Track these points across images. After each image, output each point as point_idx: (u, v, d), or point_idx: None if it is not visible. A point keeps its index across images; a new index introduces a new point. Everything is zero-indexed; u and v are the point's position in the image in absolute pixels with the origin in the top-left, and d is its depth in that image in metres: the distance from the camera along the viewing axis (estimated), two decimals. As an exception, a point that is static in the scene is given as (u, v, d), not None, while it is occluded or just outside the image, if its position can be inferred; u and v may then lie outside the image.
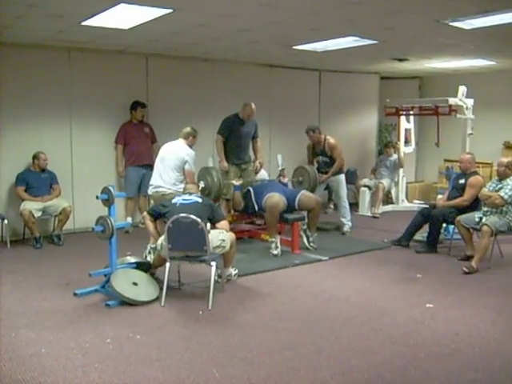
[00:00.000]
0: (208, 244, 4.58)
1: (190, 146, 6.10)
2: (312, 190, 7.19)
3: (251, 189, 6.77)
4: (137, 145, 7.61)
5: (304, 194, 6.61)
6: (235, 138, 7.02)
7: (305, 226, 6.68)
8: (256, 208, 6.61)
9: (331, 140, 7.68)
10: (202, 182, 6.38)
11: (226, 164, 6.93)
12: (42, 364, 3.50)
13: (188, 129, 6.14)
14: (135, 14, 5.26)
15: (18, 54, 6.97)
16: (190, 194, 5.23)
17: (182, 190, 5.79)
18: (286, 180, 7.22)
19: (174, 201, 5.12)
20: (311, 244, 6.62)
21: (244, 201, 6.78)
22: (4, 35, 6.37)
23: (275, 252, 6.33)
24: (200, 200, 5.10)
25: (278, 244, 6.38)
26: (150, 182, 6.12)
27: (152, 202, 6.29)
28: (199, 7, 5.02)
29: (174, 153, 5.98)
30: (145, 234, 5.61)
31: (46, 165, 7.00)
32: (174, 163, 5.93)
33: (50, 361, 3.55)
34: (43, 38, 6.59)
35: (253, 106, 6.95)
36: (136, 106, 7.68)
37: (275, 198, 6.37)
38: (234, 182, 6.77)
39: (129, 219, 7.60)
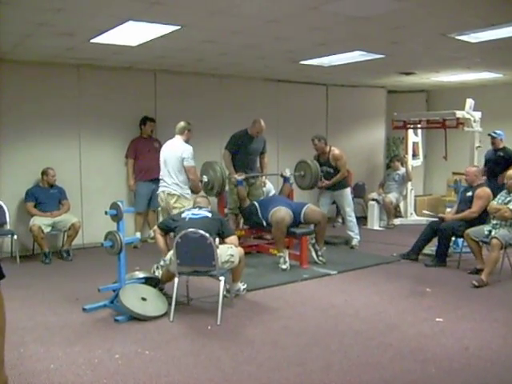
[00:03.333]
0: (216, 259, 4.58)
1: (187, 141, 6.13)
2: (314, 185, 7.33)
3: (257, 203, 6.77)
4: (146, 160, 7.62)
5: (309, 208, 6.61)
6: (243, 154, 7.04)
7: (313, 240, 6.67)
8: (263, 223, 6.60)
9: (336, 151, 7.61)
10: (205, 177, 6.47)
11: (237, 175, 6.92)
12: (50, 380, 3.49)
13: (182, 123, 6.18)
14: (143, 31, 5.32)
15: (28, 71, 7.07)
16: (200, 208, 5.23)
17: (189, 194, 5.99)
18: (288, 173, 7.25)
19: (183, 215, 5.12)
20: (320, 258, 6.61)
21: (250, 216, 6.78)
22: (14, 53, 6.47)
23: (284, 267, 6.31)
24: (210, 215, 5.10)
25: (287, 259, 6.37)
26: (160, 177, 6.17)
27: (160, 208, 6.38)
28: (206, 24, 5.07)
29: (173, 154, 6.05)
30: (153, 248, 5.62)
31: (54, 181, 7.06)
32: (175, 165, 5.99)
33: (59, 376, 3.54)
34: (52, 55, 6.67)
35: (262, 122, 6.95)
36: (145, 121, 7.74)
37: (281, 213, 6.36)
38: (237, 176, 6.79)
39: (138, 234, 7.62)
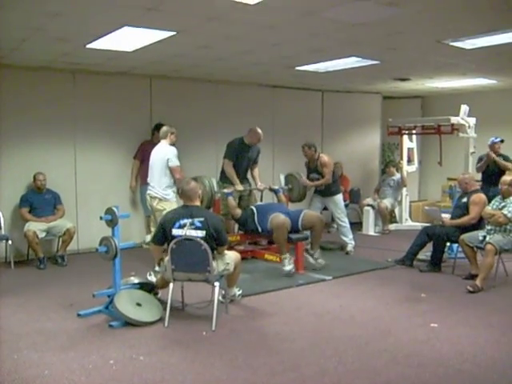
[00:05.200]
0: (211, 265, 4.57)
1: (173, 144, 6.33)
2: (301, 198, 7.37)
3: (254, 208, 6.77)
4: None
5: (306, 213, 6.63)
6: (238, 162, 7.04)
7: (308, 246, 6.66)
8: (259, 229, 6.60)
9: (324, 158, 7.53)
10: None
11: (240, 186, 6.98)
12: (45, 386, 3.49)
13: (164, 128, 6.44)
14: (139, 36, 5.32)
15: (23, 75, 7.06)
16: (189, 209, 4.80)
17: (169, 195, 6.16)
18: (276, 187, 7.31)
19: (175, 231, 4.70)
20: (318, 260, 6.61)
21: (246, 220, 6.78)
22: (9, 57, 6.46)
23: (288, 268, 6.26)
24: (203, 232, 4.69)
25: (291, 260, 6.34)
26: (148, 180, 6.38)
27: (148, 206, 6.44)
28: (202, 29, 5.08)
29: (158, 157, 6.28)
30: (148, 254, 5.60)
31: (43, 185, 7.01)
32: (159, 167, 6.22)
33: (53, 382, 3.53)
34: (48, 60, 6.67)
35: (259, 131, 6.97)
36: (159, 127, 7.64)
37: (280, 218, 6.36)
38: (225, 190, 6.80)
39: (148, 237, 7.55)
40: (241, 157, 7.03)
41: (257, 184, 7.30)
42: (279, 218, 6.37)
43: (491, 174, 7.80)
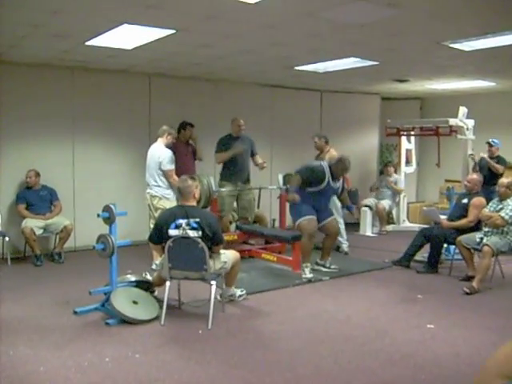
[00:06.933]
0: (208, 263, 4.57)
1: (169, 145, 6.39)
2: None
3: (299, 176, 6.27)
4: (184, 163, 7.28)
5: (332, 221, 6.48)
6: (232, 160, 7.10)
7: (320, 261, 6.60)
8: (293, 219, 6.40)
9: (334, 152, 7.50)
10: None
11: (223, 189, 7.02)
12: (40, 382, 3.48)
13: (164, 127, 6.47)
14: (138, 34, 5.32)
15: (23, 72, 7.06)
16: (184, 209, 4.80)
17: (170, 195, 6.21)
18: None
19: (171, 232, 4.69)
20: (332, 266, 6.58)
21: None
22: (9, 54, 6.45)
23: (309, 276, 6.14)
24: (199, 232, 4.69)
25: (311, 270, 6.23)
26: (146, 179, 6.43)
27: (148, 203, 6.45)
28: (202, 28, 5.08)
29: (153, 158, 6.34)
30: (146, 252, 5.61)
31: (33, 182, 6.99)
32: (154, 168, 6.30)
33: (48, 379, 3.53)
34: (48, 57, 6.67)
35: (238, 118, 7.09)
36: (185, 126, 7.62)
37: (312, 225, 6.15)
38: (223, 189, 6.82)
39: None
40: (232, 148, 7.08)
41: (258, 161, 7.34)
42: (311, 225, 6.16)
43: (486, 176, 7.86)
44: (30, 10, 4.51)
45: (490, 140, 8.15)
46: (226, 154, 7.08)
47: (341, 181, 6.54)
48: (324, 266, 6.59)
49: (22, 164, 7.08)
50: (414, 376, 3.66)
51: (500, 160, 8.03)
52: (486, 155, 8.05)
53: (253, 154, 7.35)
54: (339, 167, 6.30)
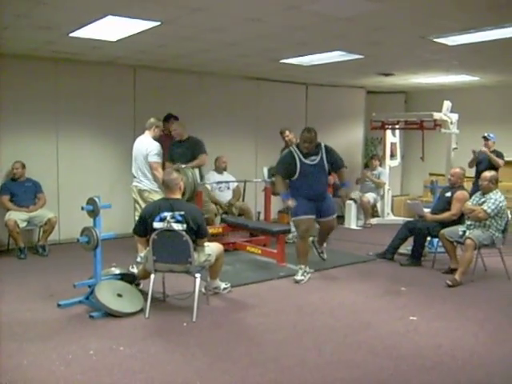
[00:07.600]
0: (192, 255, 4.58)
1: (156, 137, 6.35)
2: None
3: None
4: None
5: (334, 220, 6.28)
6: (171, 160, 6.89)
7: (316, 238, 6.52)
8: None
9: (290, 136, 7.50)
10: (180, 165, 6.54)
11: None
12: (23, 375, 3.47)
13: (152, 119, 6.44)
14: (123, 26, 5.28)
15: (5, 64, 6.95)
16: (169, 202, 4.82)
17: (158, 187, 6.13)
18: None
19: (156, 224, 4.68)
20: (321, 255, 6.60)
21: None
22: (-9, 45, 6.38)
23: (299, 278, 5.85)
24: (183, 225, 4.68)
25: (308, 273, 5.99)
26: (133, 172, 6.38)
27: (134, 196, 6.43)
28: (187, 21, 5.06)
29: (140, 151, 6.31)
30: (130, 244, 5.59)
31: (19, 174, 6.94)
32: (142, 161, 6.26)
33: (32, 372, 3.52)
34: (31, 48, 6.59)
35: (174, 123, 6.99)
36: (169, 118, 7.56)
37: (307, 224, 5.95)
38: (182, 165, 6.55)
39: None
40: (172, 154, 6.88)
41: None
42: (305, 225, 5.93)
43: (485, 170, 7.89)
44: (12, 1, 4.45)
45: (486, 134, 8.18)
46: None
47: (321, 155, 6.19)
48: (317, 249, 6.59)
49: (5, 156, 7.01)
50: (397, 367, 3.70)
51: (498, 154, 8.08)
52: (485, 149, 8.06)
53: (193, 157, 6.87)
54: (301, 139, 6.07)
